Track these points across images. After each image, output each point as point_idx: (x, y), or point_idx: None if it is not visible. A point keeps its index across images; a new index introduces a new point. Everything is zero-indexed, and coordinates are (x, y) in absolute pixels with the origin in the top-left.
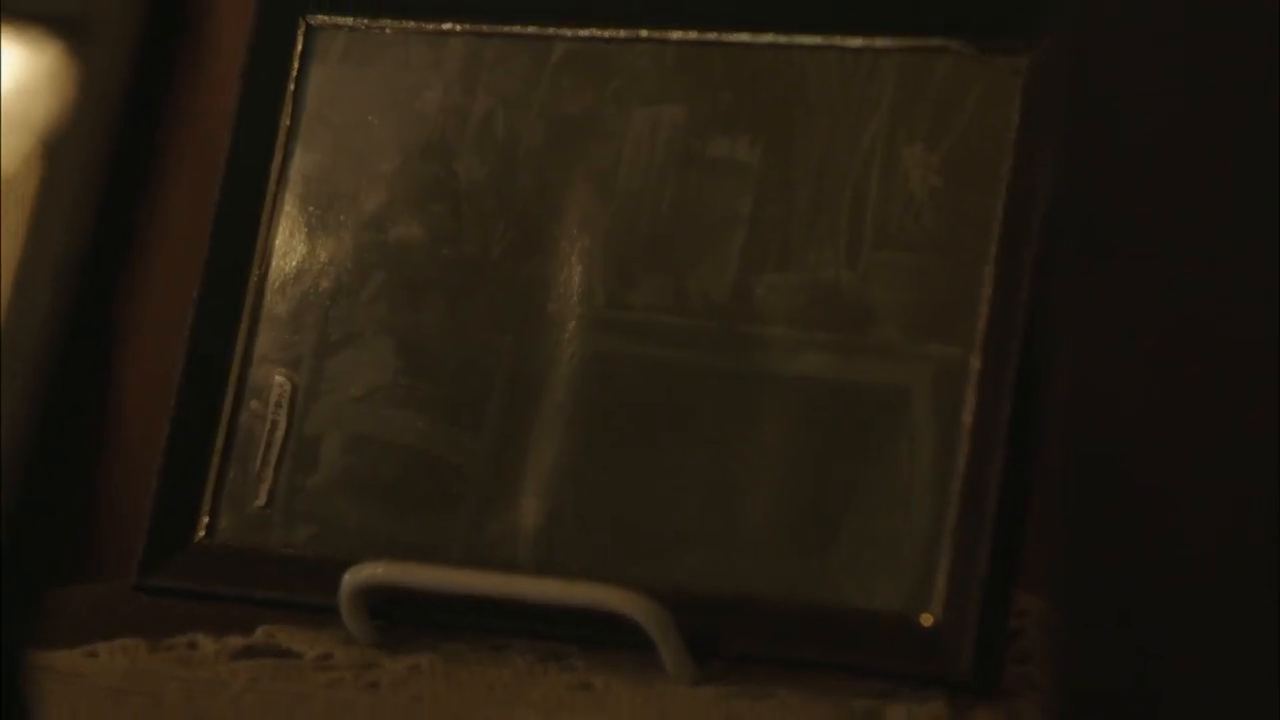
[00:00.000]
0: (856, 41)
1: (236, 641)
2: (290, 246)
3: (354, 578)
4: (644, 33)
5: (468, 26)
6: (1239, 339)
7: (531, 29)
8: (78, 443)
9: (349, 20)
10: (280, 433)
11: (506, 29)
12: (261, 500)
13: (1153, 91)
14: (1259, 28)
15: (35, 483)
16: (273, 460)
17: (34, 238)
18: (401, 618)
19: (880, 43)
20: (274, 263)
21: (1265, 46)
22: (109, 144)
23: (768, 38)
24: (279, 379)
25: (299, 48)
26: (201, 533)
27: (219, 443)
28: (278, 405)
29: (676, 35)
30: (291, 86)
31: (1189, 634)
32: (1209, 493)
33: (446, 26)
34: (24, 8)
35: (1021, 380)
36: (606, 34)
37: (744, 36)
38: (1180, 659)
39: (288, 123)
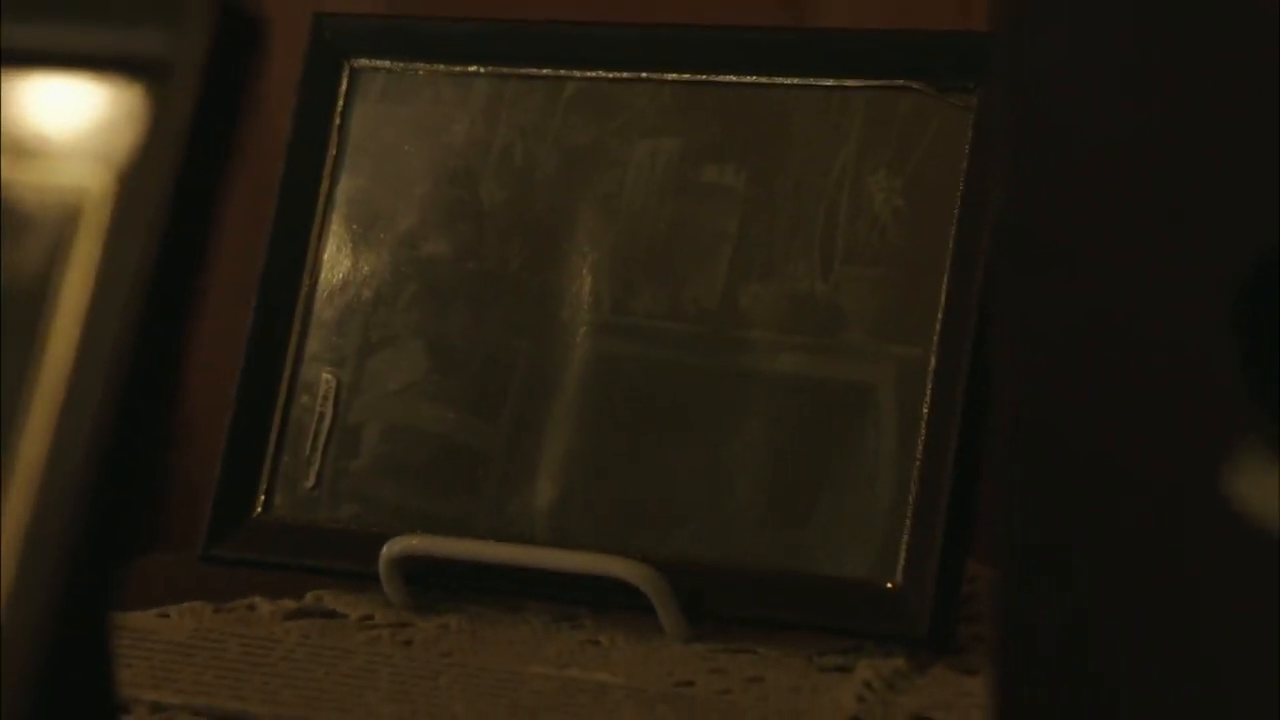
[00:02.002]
0: (829, 82)
1: (289, 604)
2: (336, 260)
3: (391, 549)
4: (644, 74)
5: (490, 68)
6: (1161, 337)
7: (546, 71)
8: (151, 433)
9: (387, 63)
10: (327, 423)
11: (524, 71)
12: (311, 481)
13: (1087, 123)
14: (1189, 60)
15: (116, 469)
16: (320, 447)
17: (109, 255)
18: (433, 583)
19: (850, 83)
20: (322, 275)
21: (1194, 76)
22: (178, 172)
23: (751, 78)
24: (326, 376)
25: (344, 87)
26: (259, 510)
27: (274, 432)
28: (325, 399)
29: (672, 76)
30: (337, 121)
31: (1119, 595)
32: (1139, 471)
33: (472, 69)
34: (108, 52)
35: (973, 376)
36: (611, 75)
37: (731, 77)
38: (1111, 617)
39: (334, 152)
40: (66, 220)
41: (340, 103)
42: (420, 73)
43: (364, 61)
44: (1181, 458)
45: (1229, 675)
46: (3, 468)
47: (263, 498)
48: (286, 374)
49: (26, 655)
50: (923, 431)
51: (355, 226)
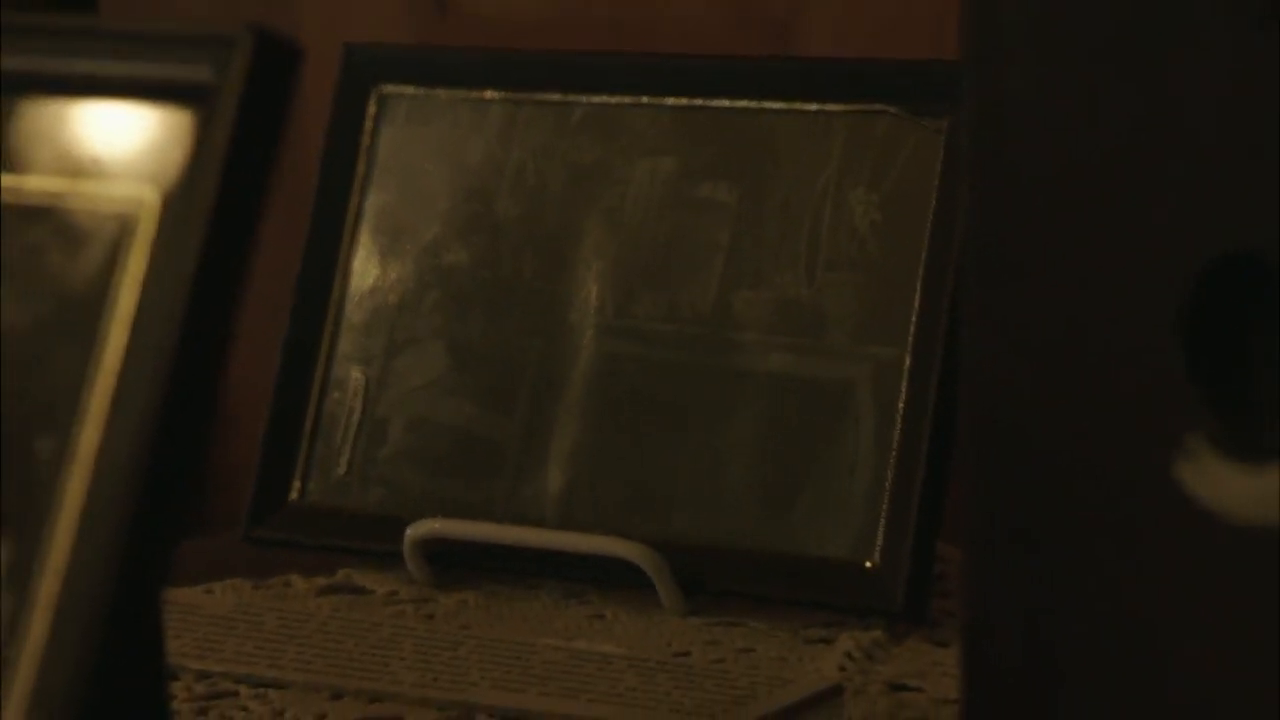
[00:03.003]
0: (813, 106)
1: (321, 581)
2: (365, 269)
3: (415, 531)
4: (645, 99)
5: (505, 94)
6: (1115, 340)
7: (555, 96)
8: (196, 425)
9: (411, 89)
10: (356, 416)
11: (536, 96)
12: (342, 469)
13: (1046, 145)
14: (1138, 89)
15: (165, 457)
16: (350, 438)
17: (158, 264)
18: (452, 562)
19: (832, 107)
20: (352, 282)
21: (1143, 104)
22: (220, 189)
23: (743, 103)
24: (355, 374)
25: (371, 111)
26: (295, 495)
27: (309, 424)
28: (355, 394)
29: (670, 101)
30: (366, 142)
31: (1077, 573)
32: (1095, 461)
33: (488, 95)
34: (156, 80)
35: (944, 375)
36: (615, 100)
37: (724, 102)
38: (1068, 593)
39: (362, 171)
40: (120, 233)
41: (368, 125)
42: (441, 98)
43: (390, 87)
44: (1134, 449)
45: (1176, 644)
46: (64, 455)
47: (298, 484)
48: (320, 372)
49: (85, 628)
50: (898, 425)
51: (382, 238)
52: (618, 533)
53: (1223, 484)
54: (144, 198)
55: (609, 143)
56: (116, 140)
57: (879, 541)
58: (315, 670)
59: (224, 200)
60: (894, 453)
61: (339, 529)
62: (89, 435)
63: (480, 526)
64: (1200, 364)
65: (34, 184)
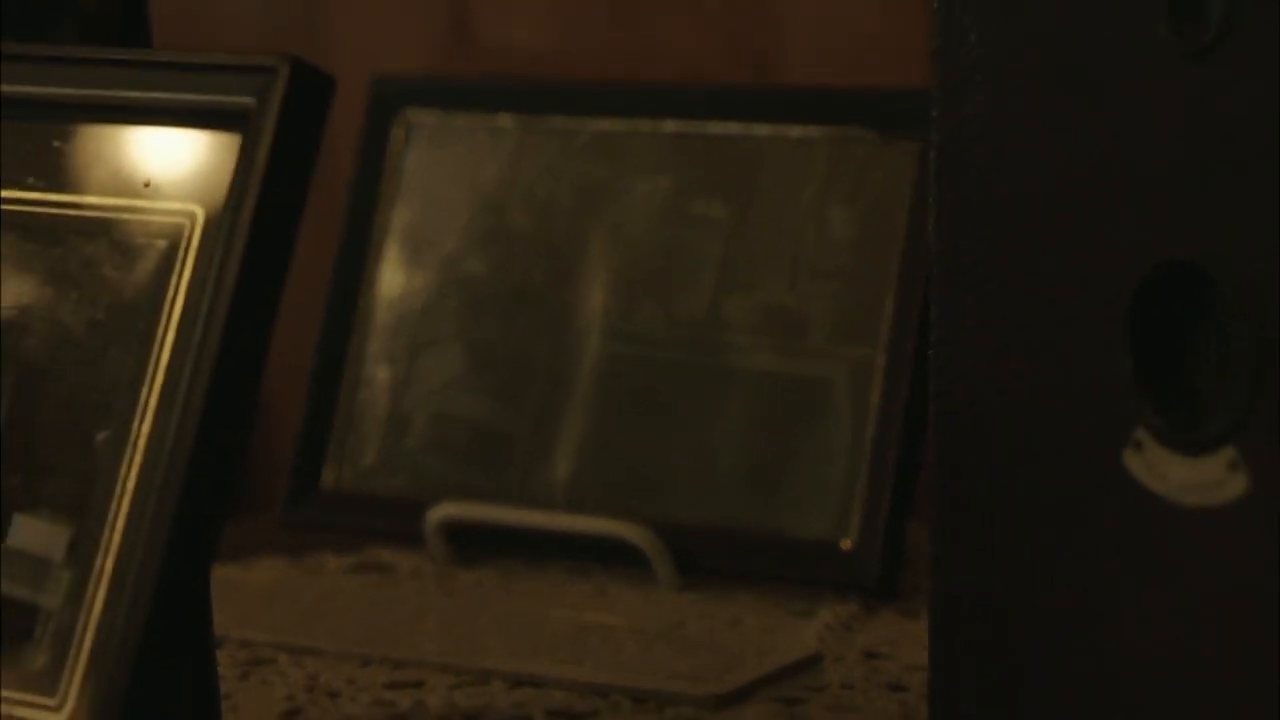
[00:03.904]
0: (796, 130)
1: (352, 560)
2: (391, 278)
3: (435, 514)
4: (644, 124)
5: (518, 120)
6: (1068, 341)
7: (563, 121)
8: (240, 418)
9: (433, 115)
10: (383, 411)
11: (545, 122)
12: (370, 458)
13: (1004, 165)
14: (1087, 114)
15: (212, 448)
16: (377, 430)
17: (205, 272)
18: (470, 543)
19: (814, 131)
20: (379, 289)
21: (1091, 127)
22: (259, 205)
23: (732, 127)
24: (382, 372)
25: (396, 134)
26: (327, 482)
27: (340, 418)
28: (381, 391)
29: (668, 126)
30: (392, 163)
31: (1034, 552)
32: (1050, 450)
33: (502, 120)
34: (203, 107)
35: (915, 373)
36: (617, 125)
37: (716, 126)
38: (1026, 570)
39: (389, 189)
40: (170, 246)
41: (394, 147)
42: (460, 123)
43: (414, 113)
44: (1086, 441)
45: (1125, 615)
46: (121, 445)
47: (330, 472)
48: (350, 370)
49: (139, 600)
50: (873, 419)
51: (406, 250)
52: (620, 515)
53: (1166, 472)
54: (192, 213)
55: (611, 163)
56: (166, 161)
57: (855, 524)
58: (346, 640)
59: (264, 215)
60: (869, 444)
61: (367, 512)
62: (143, 427)
63: (495, 510)
64: (1145, 364)
65: (92, 201)
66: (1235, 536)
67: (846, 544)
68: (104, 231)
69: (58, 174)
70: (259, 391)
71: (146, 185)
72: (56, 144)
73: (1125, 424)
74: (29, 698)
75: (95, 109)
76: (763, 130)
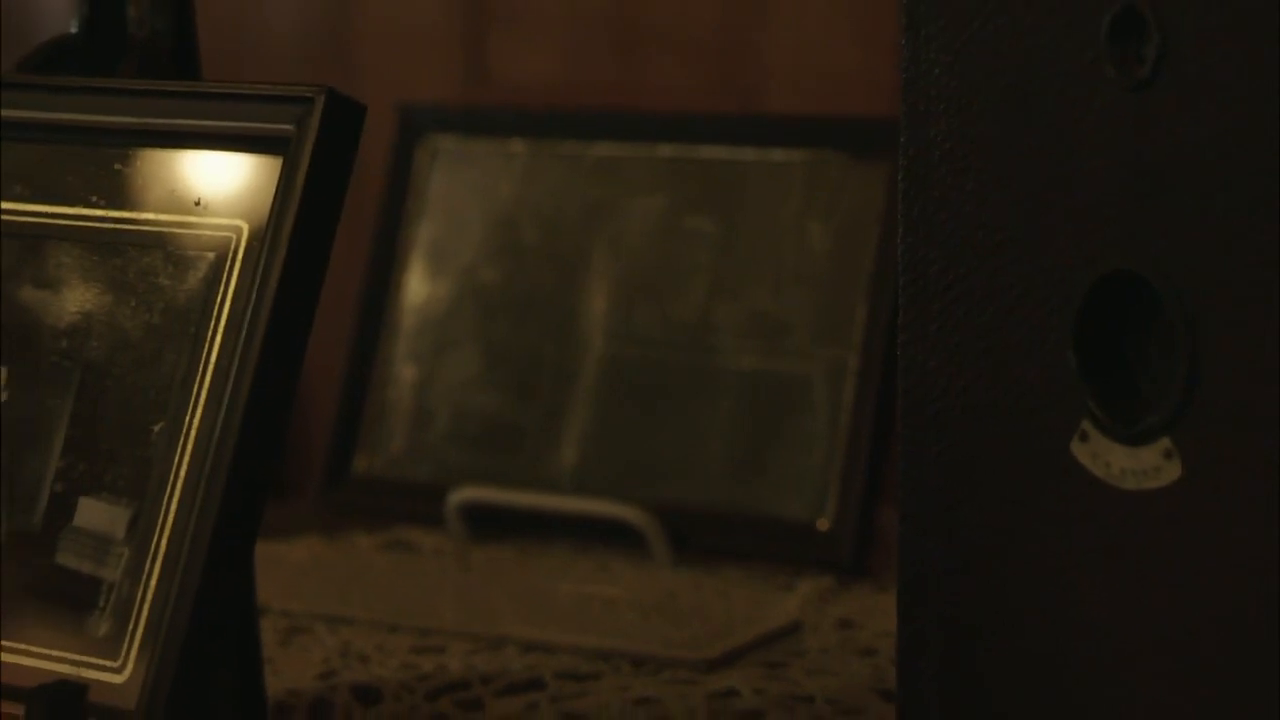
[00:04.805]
0: (779, 155)
1: (380, 538)
2: (415, 285)
3: (455, 497)
4: (641, 149)
5: (529, 145)
6: (1020, 344)
7: (569, 146)
8: (280, 412)
9: (454, 141)
10: (408, 405)
11: (554, 147)
12: (397, 447)
13: (963, 186)
14: (1037, 138)
15: (256, 438)
16: (403, 422)
17: (251, 281)
18: (486, 523)
19: (794, 155)
20: (405, 296)
21: (1041, 150)
22: (298, 220)
23: (722, 152)
24: (407, 371)
25: (421, 157)
26: (359, 468)
27: (369, 411)
28: (407, 387)
29: (663, 151)
30: (417, 183)
31: (993, 532)
32: (1006, 440)
33: (515, 146)
34: (248, 133)
35: (885, 372)
36: (617, 150)
37: (706, 151)
38: (985, 548)
39: (414, 206)
40: (219, 256)
41: (418, 169)
42: (478, 148)
43: (436, 139)
44: (1038, 432)
45: (1072, 585)
46: (174, 435)
47: (361, 459)
48: (378, 369)
49: (191, 573)
50: (846, 412)
51: (429, 261)
52: (619, 499)
53: (1109, 459)
54: (238, 228)
55: (612, 184)
56: (215, 181)
57: (831, 507)
58: (375, 610)
59: (302, 230)
60: (843, 435)
61: (394, 496)
62: (194, 419)
63: (508, 493)
64: (1090, 363)
65: (148, 217)
66: (1169, 516)
67: (823, 524)
68: (159, 244)
69: (118, 193)
70: (297, 388)
71: (197, 203)
72: (117, 166)
73: (1072, 417)
74: (94, 660)
75: (151, 135)
76: (748, 154)
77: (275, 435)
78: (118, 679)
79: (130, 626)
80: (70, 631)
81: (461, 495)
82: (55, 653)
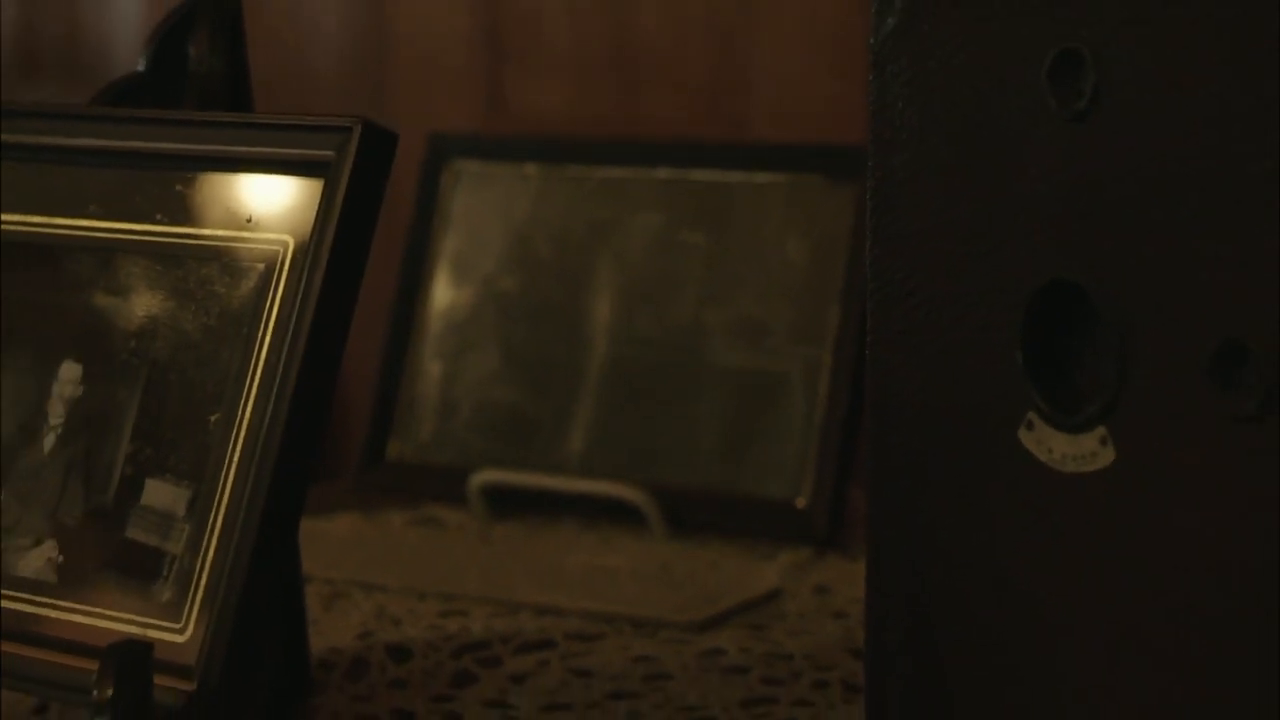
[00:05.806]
0: (763, 177)
1: (411, 515)
2: (441, 293)
3: (477, 479)
4: (641, 172)
5: (541, 169)
6: (974, 343)
7: (576, 170)
8: (322, 403)
9: (476, 165)
10: (435, 398)
11: (563, 170)
12: (426, 435)
13: (923, 204)
14: (991, 161)
15: (301, 426)
16: (431, 413)
17: (296, 289)
18: (505, 502)
19: (776, 178)
20: (432, 302)
21: (994, 171)
22: (337, 236)
23: (712, 175)
24: (435, 368)
25: (447, 180)
26: (392, 453)
27: (401, 403)
28: (434, 382)
29: (660, 173)
30: (443, 203)
31: (951, 508)
32: (960, 428)
33: (529, 169)
34: (293, 159)
35: (855, 369)
36: (620, 173)
37: (698, 174)
38: (943, 522)
39: (440, 222)
40: (268, 267)
41: (444, 190)
42: (496, 171)
43: (460, 163)
44: (990, 422)
45: (1020, 559)
46: (229, 425)
47: (394, 446)
48: (409, 367)
49: (244, 547)
50: (821, 404)
51: (453, 271)
52: (622, 479)
53: (1051, 446)
54: (285, 242)
55: (615, 203)
56: (264, 201)
57: (807, 487)
58: (406, 578)
59: (341, 244)
60: (818, 424)
61: (423, 478)
62: (246, 410)
63: (524, 476)
64: (1035, 361)
65: (206, 233)
66: (1105, 497)
67: (801, 503)
68: (216, 257)
69: (180, 211)
70: (336, 382)
71: (249, 220)
72: (179, 188)
73: (1019, 408)
74: (159, 623)
75: (209, 160)
76: (735, 177)
77: (318, 424)
78: (179, 639)
79: (190, 593)
80: (138, 597)
81: (482, 477)
82: (125, 615)
